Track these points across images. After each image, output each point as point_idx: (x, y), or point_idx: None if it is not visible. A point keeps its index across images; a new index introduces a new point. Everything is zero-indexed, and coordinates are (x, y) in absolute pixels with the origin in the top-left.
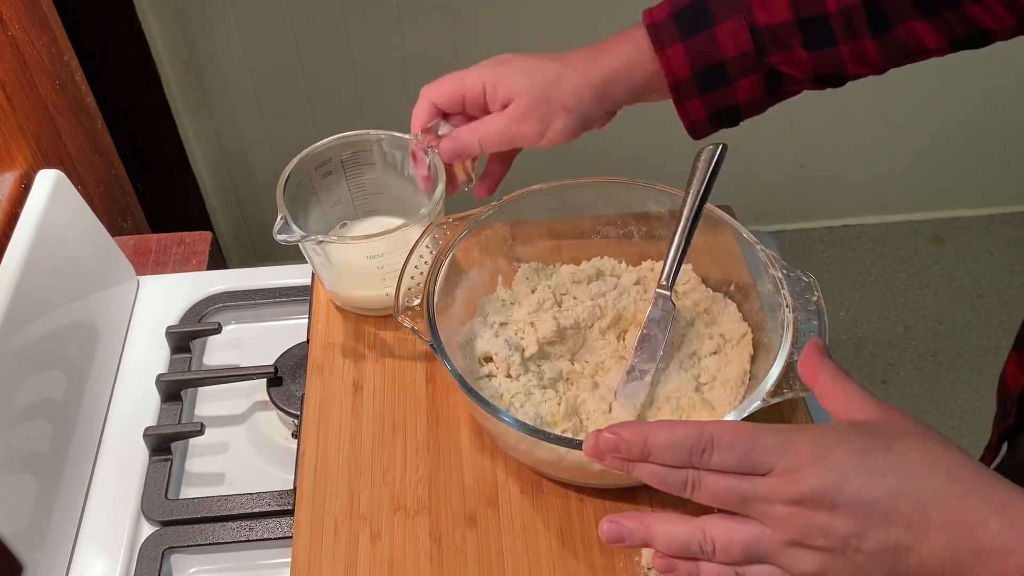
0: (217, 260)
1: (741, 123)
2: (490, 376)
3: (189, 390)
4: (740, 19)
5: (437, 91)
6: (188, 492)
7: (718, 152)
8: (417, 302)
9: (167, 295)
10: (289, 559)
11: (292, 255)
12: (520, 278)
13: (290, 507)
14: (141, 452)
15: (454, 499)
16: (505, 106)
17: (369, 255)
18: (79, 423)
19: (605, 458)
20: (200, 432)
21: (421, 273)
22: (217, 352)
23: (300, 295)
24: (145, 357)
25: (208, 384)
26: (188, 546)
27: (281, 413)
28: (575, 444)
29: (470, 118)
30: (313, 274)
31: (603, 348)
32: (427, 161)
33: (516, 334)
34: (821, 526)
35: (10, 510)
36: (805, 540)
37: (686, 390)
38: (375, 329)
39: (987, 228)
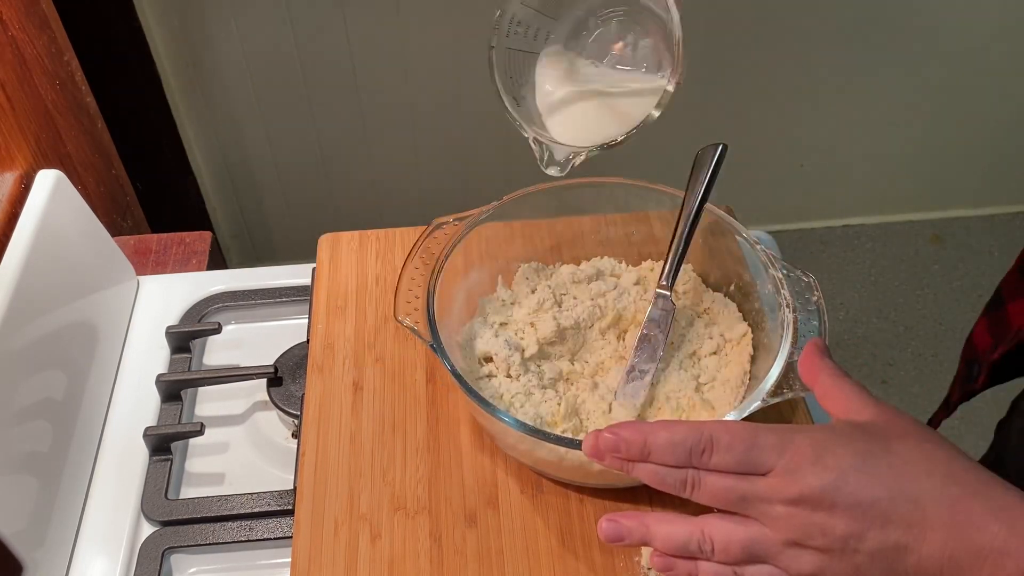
0: (217, 260)
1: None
2: (490, 376)
3: (189, 390)
4: None
5: None
6: (188, 492)
7: (718, 152)
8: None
9: (167, 295)
10: (289, 559)
11: (292, 255)
12: (520, 278)
13: (290, 507)
14: (141, 452)
15: (454, 499)
16: None
17: None
18: (79, 423)
19: (605, 458)
20: (200, 432)
21: (421, 274)
22: (217, 352)
23: (300, 295)
24: (145, 357)
25: (208, 384)
26: (188, 546)
27: (281, 413)
28: (575, 444)
29: None
30: (313, 272)
31: (603, 348)
32: None
33: (516, 334)
34: (820, 526)
35: (10, 510)
36: (804, 540)
37: (686, 390)
38: (375, 329)
39: (987, 228)
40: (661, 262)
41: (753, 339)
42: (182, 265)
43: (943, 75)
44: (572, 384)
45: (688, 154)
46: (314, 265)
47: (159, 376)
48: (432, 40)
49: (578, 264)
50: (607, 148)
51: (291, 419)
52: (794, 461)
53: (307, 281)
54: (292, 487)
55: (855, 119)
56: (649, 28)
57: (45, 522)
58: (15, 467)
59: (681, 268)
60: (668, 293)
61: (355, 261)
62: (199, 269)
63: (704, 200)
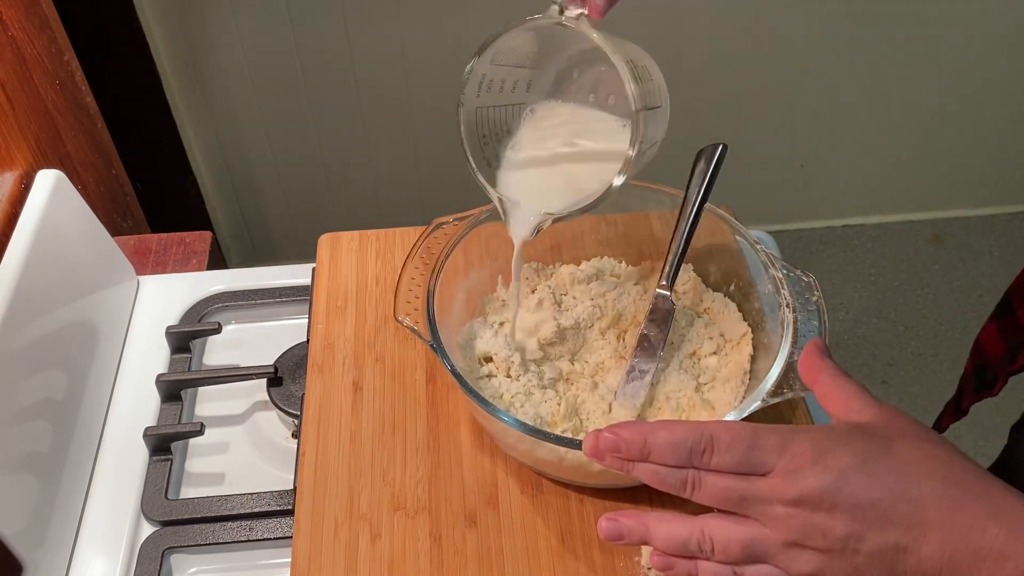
0: (217, 260)
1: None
2: (490, 376)
3: (189, 390)
4: None
5: None
6: (188, 492)
7: (718, 152)
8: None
9: (167, 295)
10: (289, 559)
11: (292, 255)
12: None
13: (290, 507)
14: (141, 452)
15: (454, 499)
16: None
17: None
18: (79, 423)
19: (605, 458)
20: (200, 432)
21: (421, 273)
22: (217, 352)
23: (300, 295)
24: (145, 357)
25: (208, 384)
26: (188, 546)
27: (281, 413)
28: (575, 444)
29: None
30: (313, 272)
31: (603, 348)
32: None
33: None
34: (820, 527)
35: (10, 510)
36: (804, 540)
37: (686, 390)
38: (375, 329)
39: (987, 228)
40: (661, 262)
41: (753, 339)
42: (182, 265)
43: (943, 75)
44: (572, 384)
45: (688, 154)
46: (314, 265)
47: (159, 376)
48: (432, 40)
49: (578, 264)
50: (571, 216)
51: (291, 419)
52: (794, 462)
53: (307, 281)
54: (292, 487)
55: (855, 119)
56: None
57: (45, 522)
58: (15, 467)
59: (681, 268)
60: (668, 293)
61: (355, 261)
62: (199, 269)
63: (704, 200)
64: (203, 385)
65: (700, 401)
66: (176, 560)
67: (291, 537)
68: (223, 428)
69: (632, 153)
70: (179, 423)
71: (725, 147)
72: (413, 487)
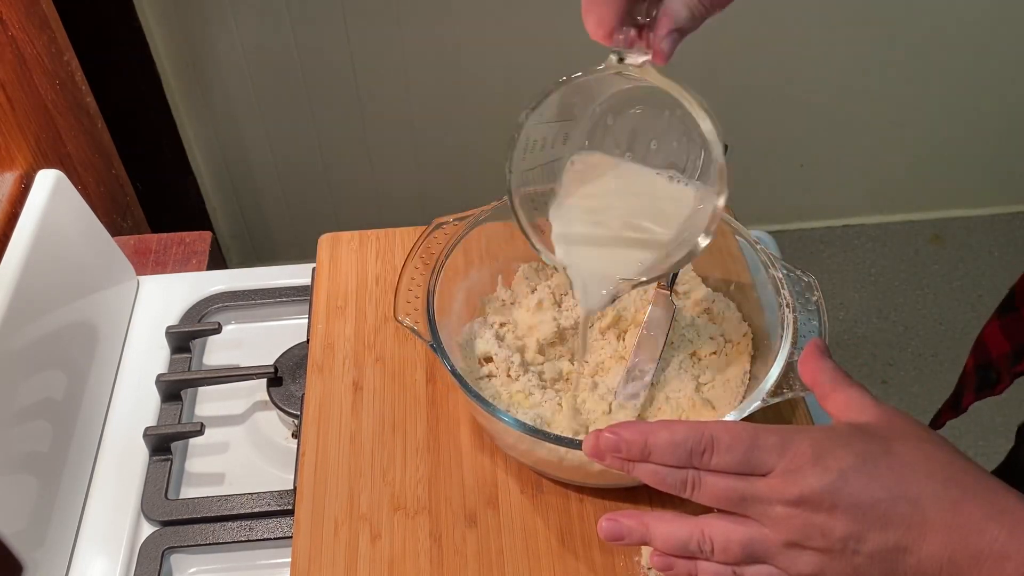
0: (217, 260)
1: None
2: (490, 376)
3: (189, 390)
4: None
5: None
6: (188, 492)
7: None
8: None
9: (167, 295)
10: (289, 559)
11: (292, 255)
12: (520, 278)
13: (290, 507)
14: (141, 452)
15: (454, 499)
16: None
17: None
18: (79, 423)
19: (605, 458)
20: (200, 432)
21: (421, 273)
22: (217, 352)
23: (300, 295)
24: (145, 357)
25: (208, 384)
26: (188, 546)
27: (281, 413)
28: (575, 444)
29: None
30: (313, 272)
31: (603, 348)
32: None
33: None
34: (820, 527)
35: (10, 510)
36: (804, 541)
37: (686, 390)
38: (375, 329)
39: (987, 228)
40: None
41: (753, 339)
42: (182, 265)
43: (943, 75)
44: (572, 384)
45: None
46: (314, 265)
47: (159, 376)
48: (432, 40)
49: None
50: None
51: (291, 419)
52: (794, 462)
53: (307, 281)
54: (292, 487)
55: (855, 119)
56: (670, 123)
57: (45, 522)
58: (15, 467)
59: (681, 268)
60: (668, 293)
61: (355, 261)
62: (199, 269)
63: None
64: (203, 385)
65: (700, 401)
66: (176, 560)
67: (291, 537)
68: (223, 428)
69: (721, 204)
70: (179, 423)
71: (726, 147)
72: (413, 487)
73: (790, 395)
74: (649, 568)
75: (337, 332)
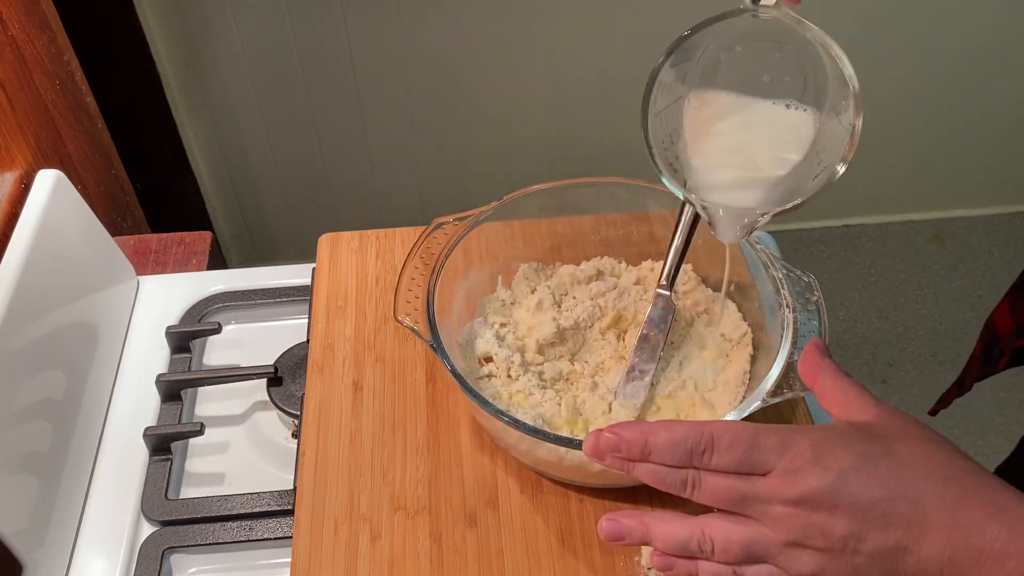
0: (217, 260)
1: None
2: (490, 376)
3: (189, 390)
4: None
5: None
6: (188, 492)
7: None
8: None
9: (167, 295)
10: (289, 559)
11: (292, 255)
12: (520, 278)
13: (290, 507)
14: (141, 452)
15: (454, 499)
16: None
17: None
18: (79, 423)
19: (605, 458)
20: (200, 432)
21: (421, 273)
22: (217, 352)
23: (300, 295)
24: (145, 357)
25: (208, 384)
26: (188, 546)
27: (281, 413)
28: (575, 444)
29: None
30: (313, 272)
31: (603, 348)
32: None
33: (513, 333)
34: (820, 527)
35: (10, 510)
36: (804, 540)
37: (686, 390)
38: (375, 329)
39: (987, 228)
40: (661, 262)
41: (753, 339)
42: (182, 265)
43: (943, 75)
44: (572, 384)
45: None
46: (314, 265)
47: (159, 376)
48: (432, 40)
49: (578, 264)
50: (791, 209)
51: (291, 419)
52: (794, 462)
53: (307, 281)
54: (292, 487)
55: None
56: (784, 58)
57: (45, 522)
58: (15, 467)
59: (681, 268)
60: (668, 293)
61: (355, 261)
62: (199, 269)
63: None
64: (203, 385)
65: (700, 401)
66: (176, 560)
67: (291, 537)
68: (223, 428)
69: (859, 126)
70: (179, 423)
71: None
72: (413, 487)
73: (790, 395)
74: (649, 568)
75: (337, 332)
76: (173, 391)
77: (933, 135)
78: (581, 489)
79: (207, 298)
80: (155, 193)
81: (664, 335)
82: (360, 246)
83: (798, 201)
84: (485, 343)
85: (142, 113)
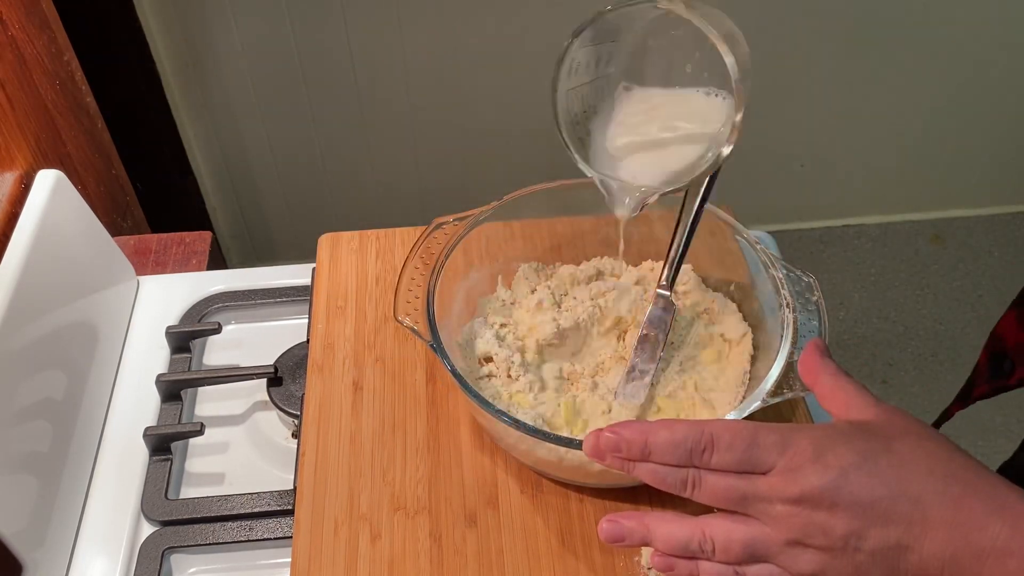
0: (217, 260)
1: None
2: (490, 376)
3: (189, 390)
4: None
5: None
6: (188, 492)
7: None
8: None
9: (167, 295)
10: (289, 559)
11: (292, 255)
12: (520, 278)
13: (290, 507)
14: (141, 452)
15: (454, 499)
16: None
17: None
18: (79, 423)
19: (605, 458)
20: (200, 432)
21: (421, 273)
22: (217, 352)
23: (300, 295)
24: (145, 357)
25: (208, 384)
26: (188, 546)
27: (281, 413)
28: (575, 444)
29: None
30: (313, 272)
31: (603, 348)
32: None
33: (513, 334)
34: (821, 525)
35: (10, 510)
36: (805, 539)
37: (686, 390)
38: (375, 329)
39: (987, 228)
40: (661, 262)
41: (753, 339)
42: (182, 265)
43: (943, 75)
44: (572, 384)
45: None
46: (314, 265)
47: (159, 376)
48: (432, 40)
49: (578, 264)
50: (677, 190)
51: (291, 419)
52: (795, 460)
53: (307, 281)
54: (292, 487)
55: (855, 119)
56: (705, 47)
57: (45, 522)
58: (15, 467)
59: (681, 268)
60: (668, 293)
61: (355, 261)
62: (199, 269)
63: (704, 200)
64: (203, 385)
65: (700, 401)
66: (176, 560)
67: (291, 537)
68: (223, 428)
69: (738, 119)
70: (179, 423)
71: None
72: (413, 487)
73: (790, 395)
74: (649, 568)
75: (337, 332)
76: (173, 391)
77: (933, 135)
78: (581, 489)
79: (207, 298)
80: (155, 193)
81: (664, 335)
82: (360, 246)
83: (686, 182)
84: (485, 343)
85: (142, 113)
